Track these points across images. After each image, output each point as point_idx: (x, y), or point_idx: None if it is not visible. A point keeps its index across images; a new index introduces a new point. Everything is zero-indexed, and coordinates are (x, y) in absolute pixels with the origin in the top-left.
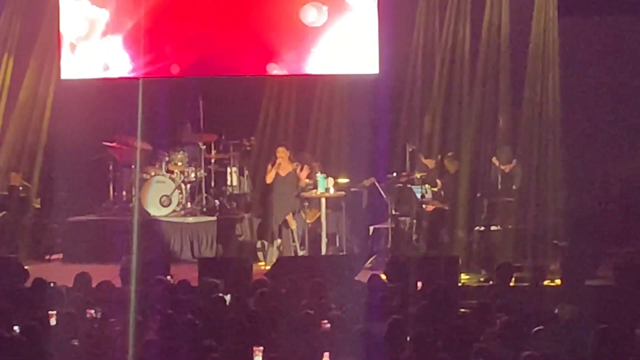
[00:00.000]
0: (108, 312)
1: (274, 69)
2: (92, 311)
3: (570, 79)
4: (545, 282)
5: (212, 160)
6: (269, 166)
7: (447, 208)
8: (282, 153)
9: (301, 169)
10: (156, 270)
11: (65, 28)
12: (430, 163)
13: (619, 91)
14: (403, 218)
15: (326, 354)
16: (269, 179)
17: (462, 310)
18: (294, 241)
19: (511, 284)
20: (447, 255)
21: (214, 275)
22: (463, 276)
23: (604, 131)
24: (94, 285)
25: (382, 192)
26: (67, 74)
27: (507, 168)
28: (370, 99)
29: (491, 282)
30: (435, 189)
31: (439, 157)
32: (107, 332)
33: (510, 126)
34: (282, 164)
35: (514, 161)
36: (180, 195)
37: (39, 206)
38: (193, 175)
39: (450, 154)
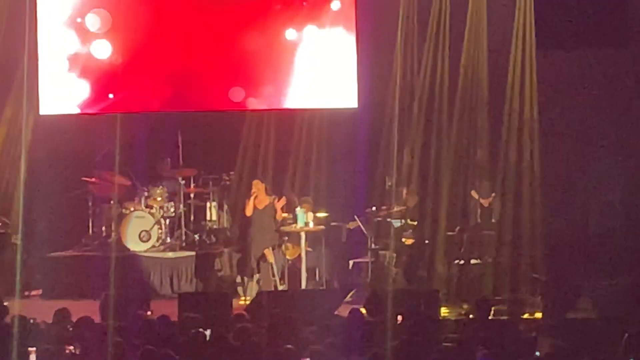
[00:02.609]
0: (87, 347)
1: (253, 104)
2: (72, 347)
3: (549, 113)
4: (526, 315)
5: (192, 195)
6: (246, 200)
7: (426, 242)
8: (257, 185)
9: (278, 201)
10: (136, 305)
11: (44, 63)
12: (411, 197)
13: (598, 124)
14: (383, 252)
15: None
16: (248, 211)
17: (445, 344)
18: (273, 275)
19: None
20: (427, 289)
21: (194, 310)
22: (443, 310)
23: (583, 163)
24: (73, 320)
25: (363, 229)
26: (46, 109)
27: (486, 202)
28: (349, 133)
29: (471, 316)
30: (414, 223)
31: (404, 190)
32: None
33: (489, 159)
34: (259, 197)
35: (493, 195)
36: (160, 230)
37: (18, 242)
38: (172, 210)
39: (410, 187)
